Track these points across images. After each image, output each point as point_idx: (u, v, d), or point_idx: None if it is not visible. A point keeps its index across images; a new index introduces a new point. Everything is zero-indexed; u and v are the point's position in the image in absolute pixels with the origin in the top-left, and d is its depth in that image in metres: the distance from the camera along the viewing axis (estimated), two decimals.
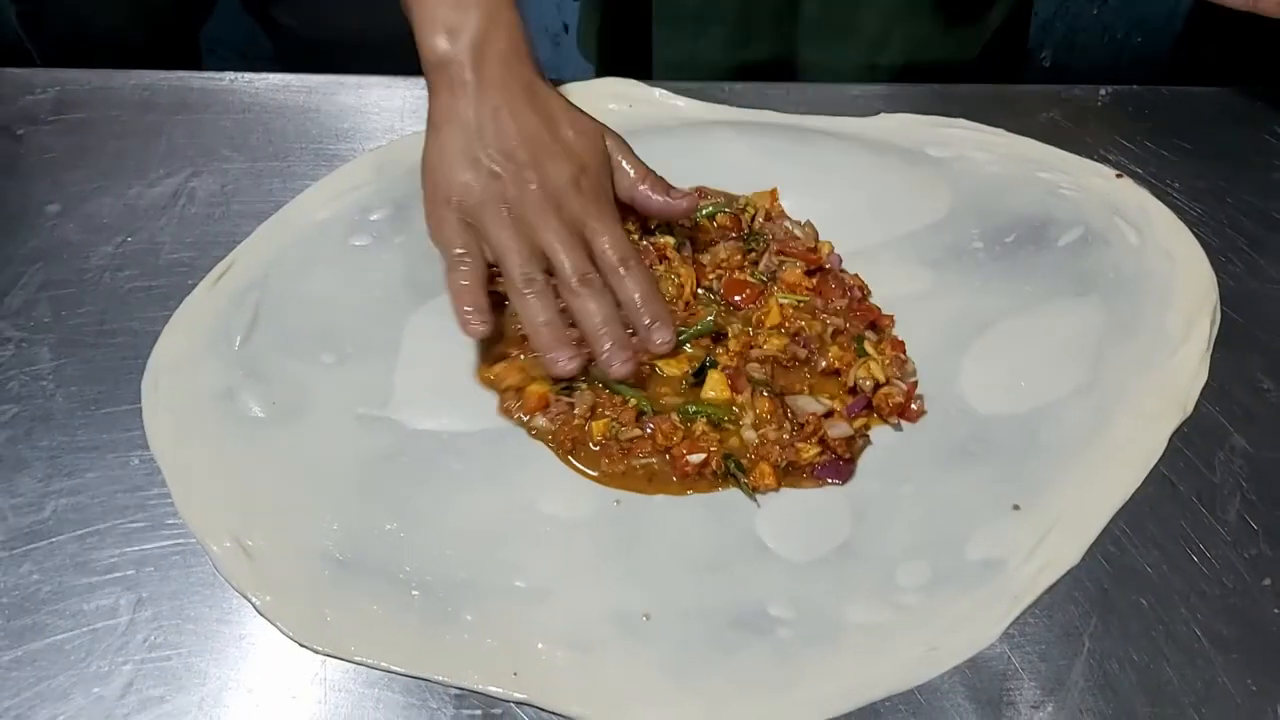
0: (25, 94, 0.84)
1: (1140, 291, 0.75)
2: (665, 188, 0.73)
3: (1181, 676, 0.59)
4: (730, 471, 0.65)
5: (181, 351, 0.69)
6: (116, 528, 0.62)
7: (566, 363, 0.67)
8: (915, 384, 0.69)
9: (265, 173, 0.80)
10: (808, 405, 0.68)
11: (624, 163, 0.73)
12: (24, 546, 0.61)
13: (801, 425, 0.67)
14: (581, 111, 0.74)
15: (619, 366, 0.67)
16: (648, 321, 0.68)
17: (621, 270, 0.69)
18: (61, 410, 0.67)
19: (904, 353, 0.71)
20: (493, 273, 0.70)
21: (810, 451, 0.66)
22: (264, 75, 0.86)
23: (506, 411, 0.68)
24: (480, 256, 0.69)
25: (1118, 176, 0.82)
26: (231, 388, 0.68)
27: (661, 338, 0.68)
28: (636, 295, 0.68)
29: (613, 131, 0.74)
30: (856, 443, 0.66)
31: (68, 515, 0.62)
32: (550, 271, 0.69)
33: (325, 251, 0.75)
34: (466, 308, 0.68)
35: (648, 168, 0.73)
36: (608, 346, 0.67)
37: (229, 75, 0.86)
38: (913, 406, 0.68)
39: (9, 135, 0.82)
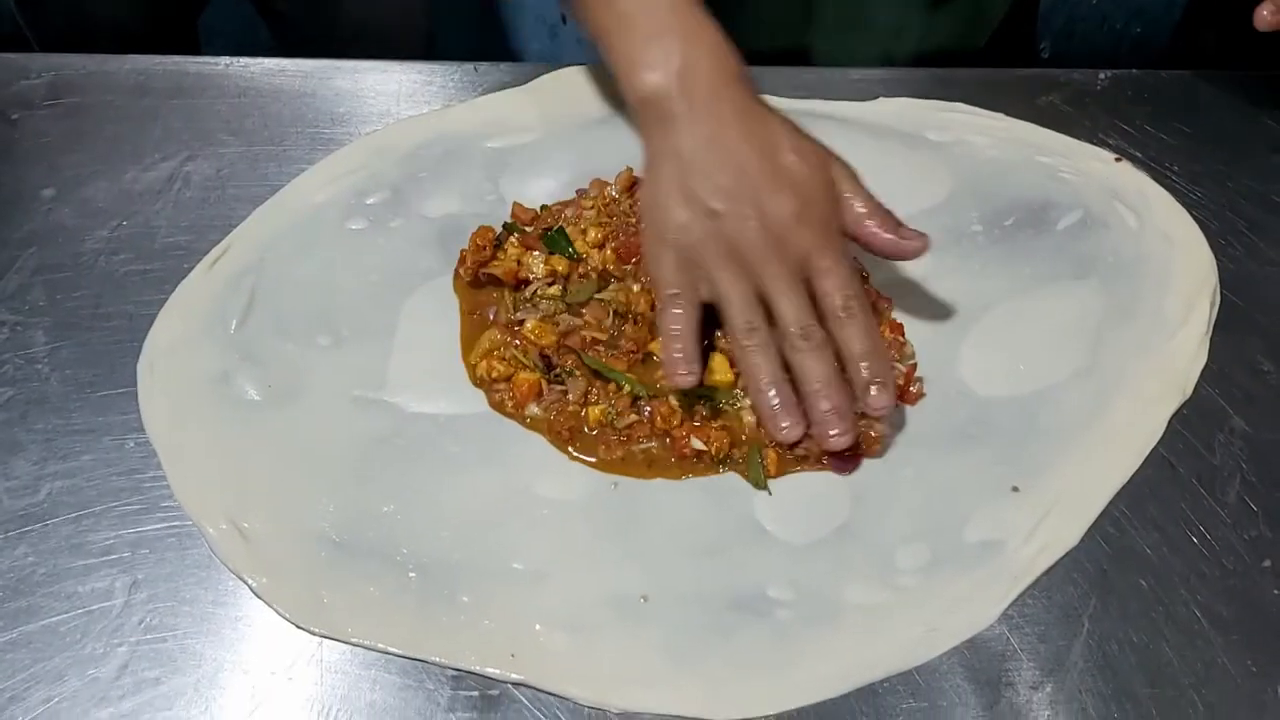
0: (20, 79, 0.84)
1: (1139, 275, 0.75)
2: (894, 224, 0.67)
3: (1181, 657, 0.59)
4: (755, 465, 0.65)
5: (177, 335, 0.69)
6: (112, 510, 0.62)
7: (791, 429, 0.64)
8: (914, 367, 0.69)
9: (261, 157, 0.80)
10: None
11: (850, 194, 0.67)
12: (19, 529, 0.61)
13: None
14: (806, 135, 0.68)
15: (836, 439, 0.63)
16: (866, 378, 0.63)
17: (843, 315, 0.64)
18: (56, 393, 0.67)
19: (903, 335, 0.70)
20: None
21: None
22: (259, 60, 0.86)
23: (498, 405, 0.67)
24: (696, 300, 0.66)
25: (1117, 160, 0.82)
26: (227, 371, 0.67)
27: (880, 403, 0.63)
28: (858, 348, 0.64)
29: (839, 159, 0.68)
30: (876, 437, 0.66)
31: (63, 498, 0.62)
32: (772, 318, 0.65)
33: (321, 235, 0.75)
34: (676, 353, 0.65)
35: (877, 201, 0.67)
36: (825, 409, 0.63)
37: (224, 60, 0.86)
38: (911, 389, 0.68)
39: (4, 120, 0.81)
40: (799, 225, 0.64)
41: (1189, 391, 0.69)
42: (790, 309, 0.64)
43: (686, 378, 0.64)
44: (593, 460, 0.65)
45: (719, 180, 0.65)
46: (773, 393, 0.64)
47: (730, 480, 0.65)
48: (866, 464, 0.65)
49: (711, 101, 0.67)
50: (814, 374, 0.64)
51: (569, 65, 0.86)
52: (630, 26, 0.69)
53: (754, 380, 0.65)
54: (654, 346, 0.69)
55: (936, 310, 0.72)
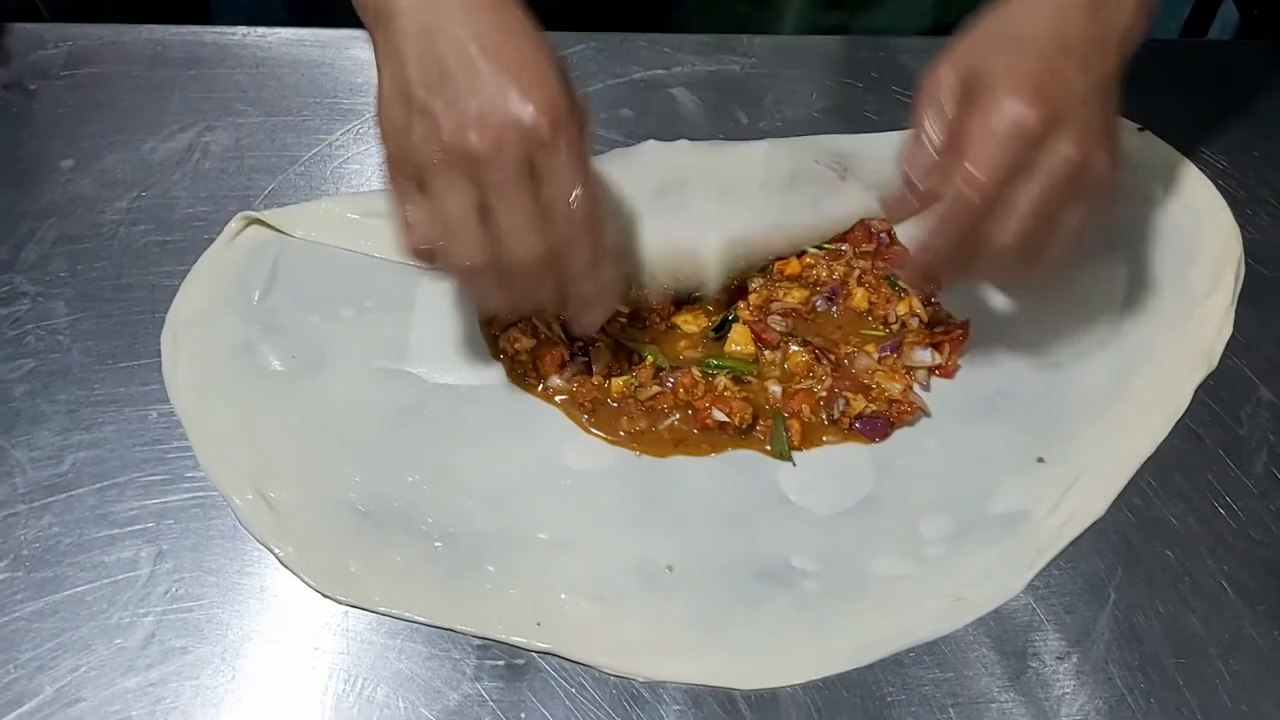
0: (37, 49, 0.83)
1: (1164, 246, 0.74)
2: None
3: (1208, 628, 0.59)
4: (779, 436, 0.65)
5: (200, 306, 0.69)
6: (136, 481, 0.62)
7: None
8: (962, 336, 0.69)
9: (280, 127, 0.79)
10: (861, 359, 0.67)
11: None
12: (43, 499, 0.61)
13: (853, 377, 0.67)
14: (534, 39, 0.59)
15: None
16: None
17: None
18: (79, 364, 0.66)
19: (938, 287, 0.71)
20: None
21: (859, 403, 0.65)
22: (276, 30, 0.85)
23: (519, 378, 0.67)
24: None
25: (1140, 130, 0.81)
26: (250, 342, 0.67)
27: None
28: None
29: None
30: (915, 407, 0.66)
31: (87, 468, 0.62)
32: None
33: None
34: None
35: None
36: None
37: (241, 30, 0.85)
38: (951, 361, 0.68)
39: (21, 90, 0.81)
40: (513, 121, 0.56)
41: (1215, 362, 0.68)
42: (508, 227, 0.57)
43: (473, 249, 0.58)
44: (612, 438, 0.65)
45: (429, 80, 0.58)
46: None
47: (755, 450, 0.65)
48: (891, 435, 0.65)
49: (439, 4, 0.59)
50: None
51: None
52: None
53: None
54: (678, 319, 0.69)
55: (961, 282, 0.72)
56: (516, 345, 0.68)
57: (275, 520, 0.60)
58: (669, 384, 0.66)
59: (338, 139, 0.79)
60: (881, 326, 0.69)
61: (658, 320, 0.68)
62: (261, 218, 0.72)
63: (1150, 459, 0.64)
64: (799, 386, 0.67)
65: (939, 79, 0.62)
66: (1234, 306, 0.71)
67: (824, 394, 0.66)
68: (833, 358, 0.67)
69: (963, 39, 0.63)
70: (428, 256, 0.59)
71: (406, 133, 0.58)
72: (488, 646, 0.57)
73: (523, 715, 0.55)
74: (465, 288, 0.64)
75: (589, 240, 0.59)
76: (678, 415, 0.65)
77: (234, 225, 0.72)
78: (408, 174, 0.58)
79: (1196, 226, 0.75)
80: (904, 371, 0.67)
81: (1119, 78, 0.63)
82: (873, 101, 0.83)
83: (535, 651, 0.57)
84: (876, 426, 0.65)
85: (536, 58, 0.58)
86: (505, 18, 0.59)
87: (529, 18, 0.59)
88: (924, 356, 0.67)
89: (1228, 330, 0.70)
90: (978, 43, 0.62)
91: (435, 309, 0.69)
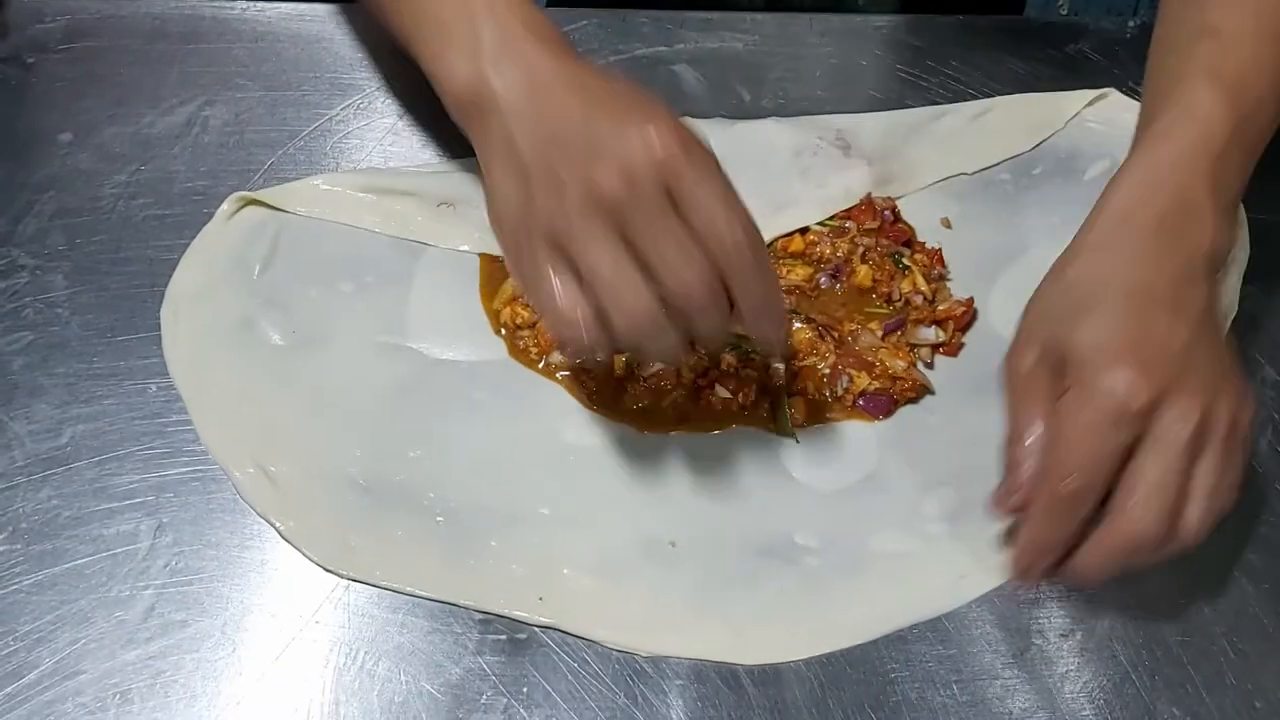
0: (35, 22, 0.82)
1: None
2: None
3: (1213, 606, 0.58)
4: (782, 414, 0.64)
5: (200, 280, 0.68)
6: (135, 454, 0.62)
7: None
8: (967, 313, 0.69)
9: (279, 102, 0.78)
10: (864, 337, 0.67)
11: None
12: (42, 472, 0.61)
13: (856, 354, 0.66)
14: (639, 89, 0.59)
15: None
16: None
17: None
18: (77, 337, 0.66)
19: (942, 264, 0.70)
20: None
21: (863, 381, 0.65)
22: (276, 4, 0.85)
23: (522, 352, 0.67)
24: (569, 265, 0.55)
25: None
26: (250, 316, 0.67)
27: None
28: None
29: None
30: (918, 384, 0.66)
31: (86, 441, 0.62)
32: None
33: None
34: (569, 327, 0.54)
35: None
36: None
37: (240, 4, 0.84)
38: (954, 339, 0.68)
39: (19, 64, 0.80)
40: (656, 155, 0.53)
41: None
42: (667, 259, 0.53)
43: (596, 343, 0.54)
44: (613, 414, 0.64)
45: (545, 147, 0.55)
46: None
47: (758, 427, 0.64)
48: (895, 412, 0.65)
49: (533, 77, 0.58)
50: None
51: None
52: (433, 23, 0.63)
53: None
54: None
55: (965, 258, 0.72)
56: (518, 320, 0.67)
57: (276, 494, 0.60)
58: None
59: (338, 114, 0.78)
60: (885, 304, 0.69)
61: None
62: (257, 197, 0.71)
63: None
64: (802, 364, 0.66)
65: (1020, 361, 0.56)
66: (1239, 285, 0.71)
67: (827, 371, 0.66)
68: (836, 335, 0.67)
69: (1035, 307, 0.57)
70: (587, 331, 0.54)
71: (530, 207, 0.55)
72: (489, 621, 0.57)
73: (525, 689, 0.55)
74: (641, 348, 0.55)
75: (756, 250, 0.55)
76: (681, 392, 0.65)
77: (227, 207, 0.71)
78: (538, 249, 0.55)
79: None
80: (908, 349, 0.67)
81: (1217, 299, 0.57)
82: (876, 79, 0.82)
83: (537, 626, 0.57)
84: (880, 404, 0.65)
85: (641, 96, 0.56)
86: (598, 75, 0.58)
87: (620, 79, 0.59)
88: (928, 334, 0.67)
89: (1232, 309, 0.70)
90: (1052, 307, 0.56)
91: (435, 284, 0.69)
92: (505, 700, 0.54)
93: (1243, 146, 0.59)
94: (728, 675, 0.56)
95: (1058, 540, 0.53)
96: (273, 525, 0.59)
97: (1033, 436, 0.53)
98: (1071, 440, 0.52)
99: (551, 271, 0.54)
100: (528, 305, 0.67)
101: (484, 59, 0.59)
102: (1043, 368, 0.54)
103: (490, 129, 0.58)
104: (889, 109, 0.80)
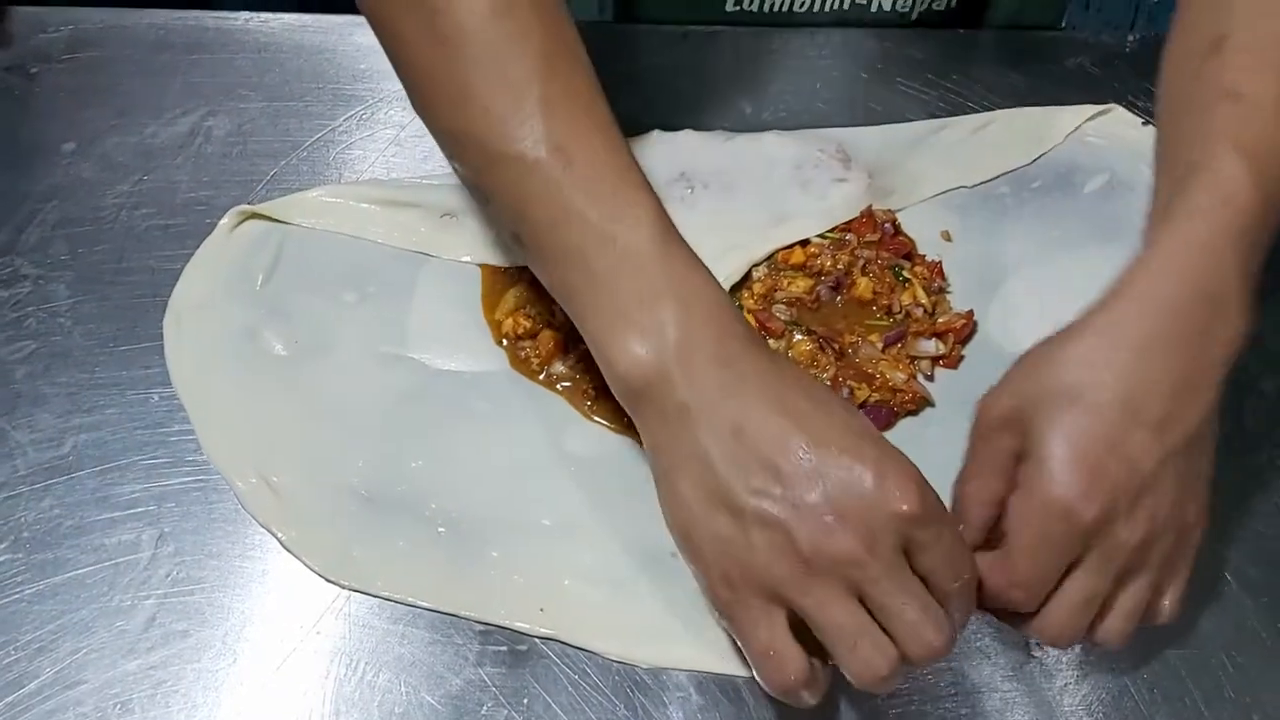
0: (38, 32, 0.83)
1: None
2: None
3: (1211, 620, 0.59)
4: None
5: (203, 290, 0.68)
6: (137, 463, 0.62)
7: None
8: (966, 326, 0.69)
9: (282, 113, 0.79)
10: (865, 349, 0.67)
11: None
12: (44, 481, 0.61)
13: (856, 366, 0.67)
14: (840, 401, 0.54)
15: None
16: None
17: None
18: (80, 347, 0.66)
19: (942, 276, 0.71)
20: None
21: (863, 393, 0.65)
22: (279, 15, 0.85)
23: (523, 362, 0.67)
24: (778, 607, 0.50)
25: (1144, 124, 0.81)
26: (253, 326, 0.67)
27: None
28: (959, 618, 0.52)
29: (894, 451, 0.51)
30: (918, 396, 0.66)
31: (88, 451, 0.62)
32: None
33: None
34: (784, 669, 0.50)
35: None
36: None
37: (244, 15, 0.85)
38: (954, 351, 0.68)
39: (22, 74, 0.80)
40: (875, 506, 0.49)
41: None
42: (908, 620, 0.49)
43: (811, 691, 0.51)
44: (614, 424, 0.65)
45: (759, 483, 0.49)
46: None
47: None
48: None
49: (724, 381, 0.51)
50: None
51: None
52: (608, 288, 0.53)
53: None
54: None
55: (965, 271, 0.72)
56: (520, 330, 0.67)
57: (278, 504, 0.60)
58: None
59: (340, 125, 0.78)
60: (885, 316, 0.69)
61: None
62: (258, 210, 0.71)
63: None
64: None
65: (992, 415, 0.54)
66: None
67: (828, 383, 0.66)
68: (837, 347, 0.67)
69: (1028, 363, 0.55)
70: (805, 687, 0.50)
71: (745, 548, 0.49)
72: (490, 632, 0.57)
73: (525, 701, 0.55)
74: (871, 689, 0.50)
75: (971, 599, 0.52)
76: None
77: (227, 221, 0.71)
78: (754, 593, 0.50)
79: None
80: (908, 361, 0.67)
81: (1216, 404, 0.53)
82: (876, 92, 0.83)
83: (538, 637, 0.57)
84: (880, 416, 0.65)
85: (864, 428, 0.51)
86: (811, 392, 0.52)
87: (823, 385, 0.56)
88: (928, 346, 0.67)
89: None
90: (1042, 381, 0.53)
91: (437, 295, 0.69)
92: (506, 711, 0.54)
93: (1267, 225, 0.55)
94: (727, 687, 0.56)
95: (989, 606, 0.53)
96: (274, 535, 0.59)
97: (985, 506, 0.53)
98: (1020, 549, 0.51)
99: (771, 622, 0.50)
100: (529, 316, 0.67)
101: (665, 346, 0.51)
102: (1012, 427, 0.53)
103: (678, 438, 0.51)
104: (889, 122, 0.80)
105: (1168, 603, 0.54)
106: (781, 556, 0.48)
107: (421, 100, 0.59)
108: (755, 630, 0.50)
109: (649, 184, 0.55)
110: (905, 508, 0.48)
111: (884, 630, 0.49)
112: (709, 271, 0.54)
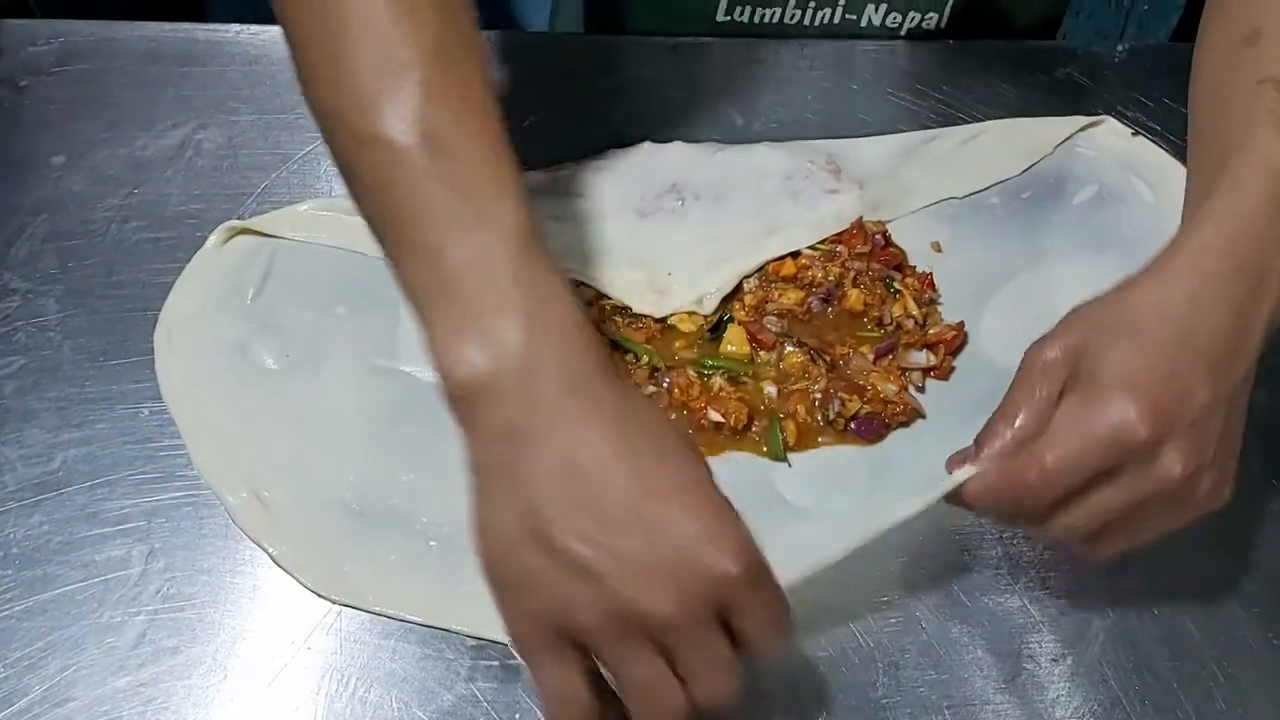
0: (28, 45, 0.82)
1: (1155, 248, 0.74)
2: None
3: (1203, 630, 0.59)
4: (774, 437, 0.65)
5: (194, 304, 0.68)
6: (127, 479, 0.62)
7: None
8: (963, 324, 0.69)
9: (274, 125, 0.79)
10: (856, 360, 0.68)
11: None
12: (34, 497, 0.61)
13: (848, 378, 0.67)
14: (685, 445, 0.51)
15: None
16: None
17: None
18: (69, 361, 0.66)
19: (933, 288, 0.71)
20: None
21: (855, 404, 0.65)
22: (270, 28, 0.85)
23: None
24: (578, 661, 0.48)
25: (1133, 135, 0.81)
26: (244, 340, 0.67)
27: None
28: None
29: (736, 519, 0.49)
30: (909, 408, 0.66)
31: (78, 466, 0.62)
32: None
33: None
34: None
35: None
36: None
37: (235, 27, 0.85)
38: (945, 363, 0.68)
39: (12, 86, 0.80)
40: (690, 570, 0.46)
41: None
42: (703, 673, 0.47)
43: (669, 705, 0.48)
44: None
45: (581, 524, 0.46)
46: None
47: (750, 451, 0.65)
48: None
49: (564, 407, 0.48)
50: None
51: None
52: (455, 289, 0.49)
53: None
54: (674, 319, 0.69)
55: (956, 281, 0.72)
56: None
57: (268, 519, 0.60)
58: (665, 384, 0.66)
59: None
60: (876, 327, 0.69)
61: (654, 320, 0.68)
62: (248, 225, 0.71)
63: None
64: (794, 387, 0.66)
65: (1044, 356, 0.54)
66: None
67: (819, 395, 0.66)
68: (828, 359, 0.67)
69: (1081, 311, 0.55)
70: None
71: (556, 589, 0.47)
72: (482, 647, 0.57)
73: (517, 716, 0.55)
74: None
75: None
76: (673, 415, 0.65)
77: (215, 238, 0.71)
78: (555, 636, 0.48)
79: None
80: (899, 373, 0.67)
81: (1251, 375, 0.55)
82: (867, 103, 0.83)
83: None
84: (871, 428, 0.65)
85: (699, 479, 0.49)
86: (656, 434, 0.49)
87: (675, 427, 0.54)
88: (919, 358, 0.68)
89: None
90: (1096, 322, 0.54)
91: None
92: None
93: None
94: None
95: (1003, 506, 0.53)
96: (265, 550, 0.59)
97: (1027, 421, 0.52)
98: (1062, 438, 0.51)
99: (567, 667, 0.48)
100: None
101: (505, 359, 0.48)
102: (1062, 366, 0.53)
103: (492, 446, 0.49)
104: (880, 133, 0.80)
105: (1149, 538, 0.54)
106: (591, 607, 0.46)
107: (304, 80, 0.55)
108: (552, 672, 0.48)
109: (523, 189, 0.51)
110: (730, 570, 0.46)
111: (676, 673, 0.47)
112: (570, 289, 0.51)
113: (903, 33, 0.87)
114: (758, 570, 0.48)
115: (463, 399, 0.49)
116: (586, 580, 0.46)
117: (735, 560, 0.46)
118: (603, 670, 0.48)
